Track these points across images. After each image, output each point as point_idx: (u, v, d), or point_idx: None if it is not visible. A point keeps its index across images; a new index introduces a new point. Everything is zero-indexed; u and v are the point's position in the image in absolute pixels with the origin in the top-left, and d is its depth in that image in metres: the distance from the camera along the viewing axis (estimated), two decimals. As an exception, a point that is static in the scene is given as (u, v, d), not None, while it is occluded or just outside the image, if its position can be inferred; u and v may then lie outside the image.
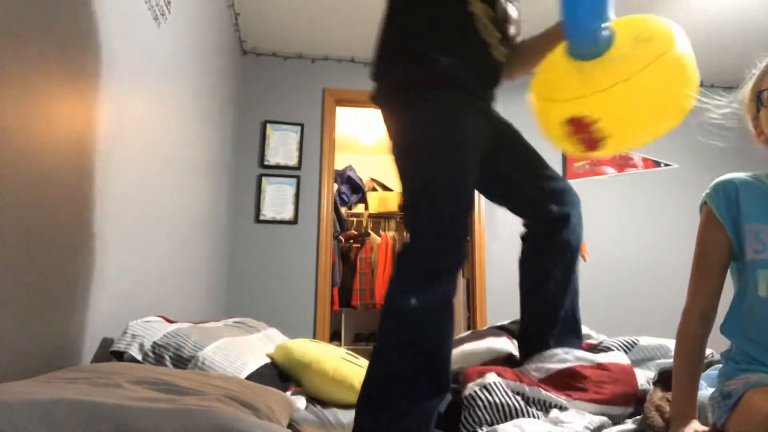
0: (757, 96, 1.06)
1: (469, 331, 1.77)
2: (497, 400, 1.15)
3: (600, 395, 1.17)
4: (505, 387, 1.19)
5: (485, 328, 1.81)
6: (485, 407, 1.14)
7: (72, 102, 1.13)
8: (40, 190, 1.02)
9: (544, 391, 1.19)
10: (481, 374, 1.24)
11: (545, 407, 1.17)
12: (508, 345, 1.55)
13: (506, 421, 1.12)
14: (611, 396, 1.17)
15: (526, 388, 1.20)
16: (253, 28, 3.27)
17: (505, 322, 1.81)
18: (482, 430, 1.10)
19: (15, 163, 0.93)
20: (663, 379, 1.26)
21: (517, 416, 1.13)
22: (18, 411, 0.66)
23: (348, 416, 1.29)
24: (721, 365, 1.09)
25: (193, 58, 2.18)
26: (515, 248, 3.60)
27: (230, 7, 2.92)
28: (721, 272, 1.05)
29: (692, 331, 1.05)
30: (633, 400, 1.18)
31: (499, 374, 1.23)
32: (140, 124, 1.58)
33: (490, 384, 1.19)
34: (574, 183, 3.64)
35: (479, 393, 1.17)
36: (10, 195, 0.92)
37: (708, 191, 1.08)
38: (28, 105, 0.96)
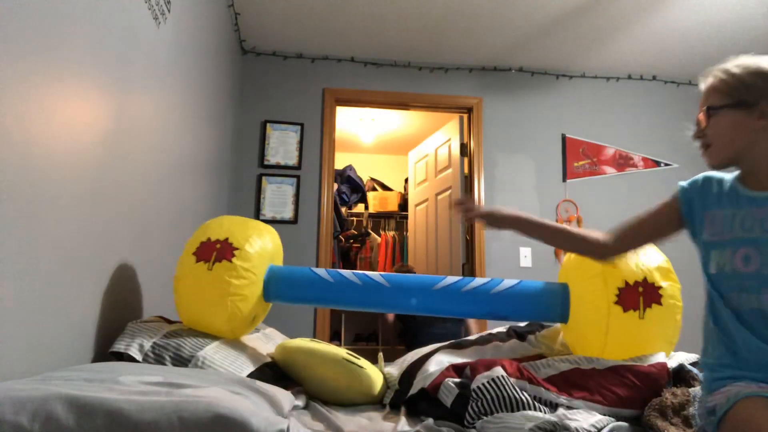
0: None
1: (475, 336, 1.77)
2: (506, 394, 1.15)
3: (605, 398, 1.15)
4: (512, 381, 1.19)
5: (489, 332, 1.80)
6: (493, 400, 1.14)
7: (72, 102, 1.13)
8: (40, 190, 1.02)
9: (544, 390, 1.19)
10: (489, 367, 1.24)
11: (551, 405, 1.17)
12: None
13: (513, 413, 1.12)
14: (617, 399, 1.15)
15: (528, 386, 1.20)
16: (253, 28, 3.27)
17: (503, 329, 1.81)
18: (486, 417, 1.10)
19: (15, 163, 0.93)
20: (675, 381, 1.25)
21: (525, 410, 1.13)
22: (12, 407, 0.66)
23: (347, 414, 1.29)
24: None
25: (193, 58, 2.18)
26: (515, 248, 3.64)
27: (230, 7, 2.92)
28: (648, 224, 1.23)
29: (582, 230, 1.29)
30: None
31: (504, 368, 1.23)
32: (140, 124, 1.58)
33: (498, 377, 1.19)
34: (574, 183, 3.66)
35: (487, 386, 1.17)
36: (10, 195, 0.92)
37: (684, 183, 1.22)
38: (28, 105, 0.96)
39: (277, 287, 1.50)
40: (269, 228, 1.59)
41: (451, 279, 1.47)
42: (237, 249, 1.40)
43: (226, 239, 1.42)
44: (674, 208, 1.21)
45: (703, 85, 1.16)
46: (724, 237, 1.10)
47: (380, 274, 1.50)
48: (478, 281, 1.46)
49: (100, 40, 1.26)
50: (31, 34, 0.96)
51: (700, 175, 1.21)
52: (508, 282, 1.46)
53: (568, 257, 1.59)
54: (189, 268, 1.41)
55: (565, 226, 1.32)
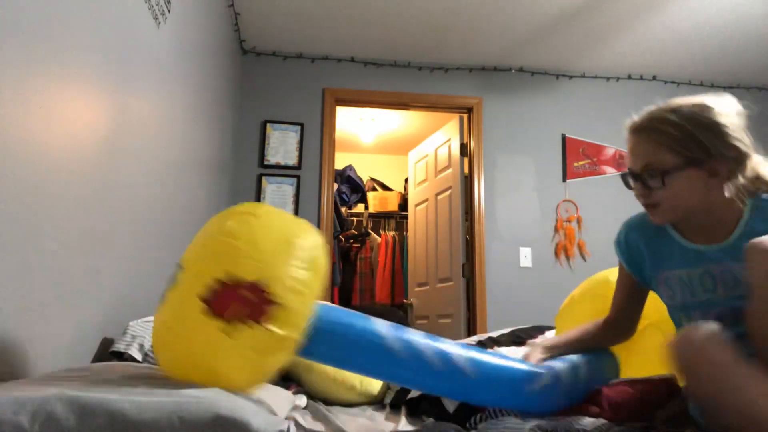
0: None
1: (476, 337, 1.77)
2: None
3: (616, 415, 1.12)
4: None
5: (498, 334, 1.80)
6: (497, 409, 1.14)
7: (72, 102, 1.13)
8: (40, 190, 1.02)
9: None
10: None
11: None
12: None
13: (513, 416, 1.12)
14: (629, 413, 1.11)
15: None
16: (253, 28, 3.27)
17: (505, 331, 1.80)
18: (487, 421, 1.10)
19: (15, 163, 0.93)
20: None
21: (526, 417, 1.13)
22: (12, 407, 0.66)
23: (348, 414, 1.29)
24: None
25: (193, 58, 2.17)
26: (515, 248, 3.65)
27: (230, 7, 2.92)
28: (626, 295, 1.21)
29: (593, 324, 1.25)
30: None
31: None
32: (140, 124, 1.58)
33: None
34: (574, 183, 3.65)
35: None
36: (10, 195, 0.92)
37: (616, 238, 1.20)
38: (29, 105, 0.96)
39: (323, 347, 1.03)
40: (316, 239, 1.06)
41: (544, 379, 1.11)
42: (275, 303, 0.87)
43: (259, 282, 0.87)
44: (629, 277, 1.18)
45: (640, 133, 1.05)
46: (687, 300, 1.06)
47: (467, 358, 1.07)
48: (565, 376, 1.13)
49: (100, 40, 1.26)
50: (31, 34, 0.96)
51: (630, 233, 1.16)
52: (584, 370, 1.19)
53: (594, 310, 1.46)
54: (193, 319, 0.85)
55: (584, 328, 1.27)
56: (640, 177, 1.04)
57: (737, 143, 0.99)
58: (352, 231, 5.24)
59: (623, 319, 1.23)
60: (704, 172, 0.99)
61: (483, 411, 1.15)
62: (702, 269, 1.04)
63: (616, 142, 3.75)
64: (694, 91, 4.17)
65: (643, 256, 1.14)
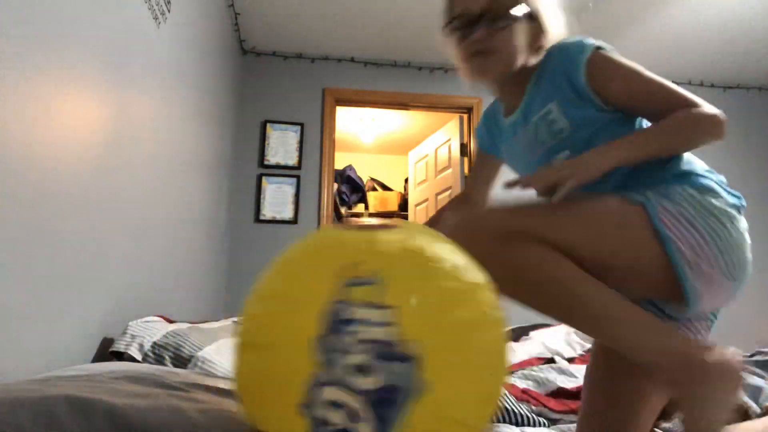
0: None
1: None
2: (509, 407, 1.16)
3: None
4: (513, 399, 1.20)
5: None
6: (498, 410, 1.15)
7: (72, 102, 1.13)
8: (40, 190, 1.02)
9: (545, 409, 1.19)
10: None
11: (553, 421, 1.17)
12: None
13: (515, 425, 1.12)
14: None
15: (533, 408, 1.20)
16: (253, 28, 3.27)
17: None
18: None
19: (15, 163, 0.93)
20: None
21: (525, 425, 1.14)
22: (12, 407, 0.66)
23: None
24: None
25: (193, 58, 2.17)
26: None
27: (230, 7, 2.92)
28: (475, 174, 1.30)
29: (450, 202, 1.33)
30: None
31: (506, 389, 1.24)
32: (140, 124, 1.58)
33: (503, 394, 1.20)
34: (574, 183, 3.66)
35: None
36: (10, 195, 0.92)
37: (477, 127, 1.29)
38: (29, 105, 0.96)
39: None
40: None
41: None
42: None
43: None
44: (484, 157, 1.26)
45: None
46: (520, 170, 1.13)
47: None
48: None
49: (100, 40, 1.26)
50: (32, 34, 0.96)
51: (483, 121, 1.24)
52: None
53: None
54: None
55: (444, 207, 1.34)
56: (484, 17, 0.99)
57: (555, 19, 1.03)
58: (352, 231, 5.24)
59: (473, 193, 1.30)
60: (532, 28, 1.01)
61: None
62: (514, 139, 1.10)
63: (616, 142, 3.75)
64: (695, 91, 4.17)
65: (494, 135, 1.22)
